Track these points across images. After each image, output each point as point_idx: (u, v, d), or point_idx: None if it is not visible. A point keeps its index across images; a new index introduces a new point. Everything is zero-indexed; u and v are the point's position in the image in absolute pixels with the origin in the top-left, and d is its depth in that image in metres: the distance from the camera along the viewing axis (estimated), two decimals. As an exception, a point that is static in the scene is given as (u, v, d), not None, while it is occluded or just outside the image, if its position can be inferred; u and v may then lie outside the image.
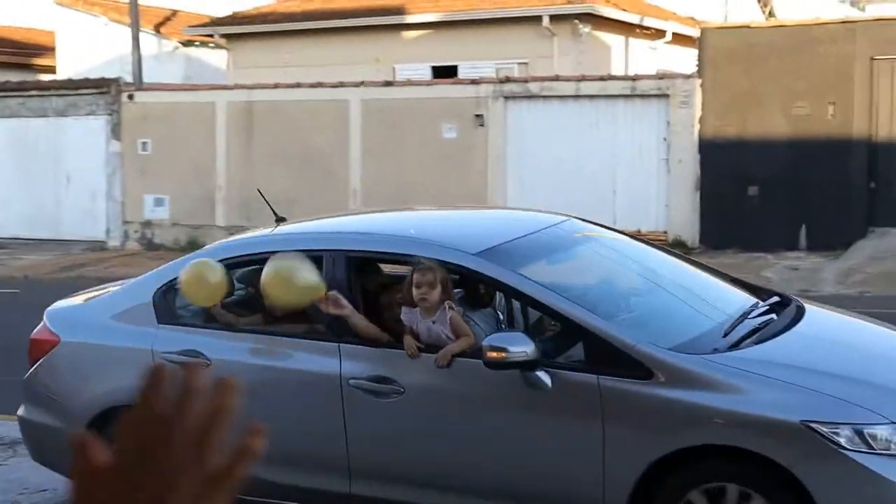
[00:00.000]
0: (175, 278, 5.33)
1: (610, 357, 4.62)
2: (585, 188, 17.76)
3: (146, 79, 20.51)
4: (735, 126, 17.01)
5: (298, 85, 18.94)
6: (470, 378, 4.82)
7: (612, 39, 21.48)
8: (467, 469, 4.87)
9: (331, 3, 22.13)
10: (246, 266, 5.62)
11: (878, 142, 16.58)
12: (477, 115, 18.04)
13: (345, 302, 4.83)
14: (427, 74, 20.72)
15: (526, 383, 4.57)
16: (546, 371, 4.54)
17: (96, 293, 6.17)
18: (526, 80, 18.38)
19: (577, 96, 17.89)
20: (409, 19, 21.10)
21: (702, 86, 17.11)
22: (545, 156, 18.09)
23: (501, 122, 18.16)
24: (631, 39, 21.77)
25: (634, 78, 17.98)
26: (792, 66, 16.63)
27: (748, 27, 17.62)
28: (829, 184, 16.40)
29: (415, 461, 4.96)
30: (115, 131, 20.01)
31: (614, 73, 19.49)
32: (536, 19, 19.91)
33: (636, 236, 6.65)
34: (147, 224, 20.23)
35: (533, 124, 18.14)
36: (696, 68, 17.38)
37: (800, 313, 5.35)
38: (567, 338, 4.91)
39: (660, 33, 22.09)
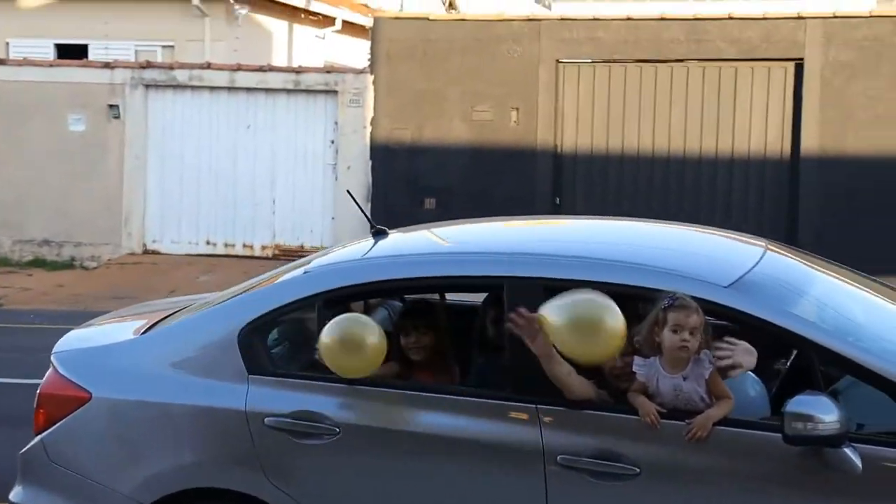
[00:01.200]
0: (274, 311, 4.39)
1: None
2: (241, 198, 16.39)
3: None
4: (411, 130, 15.84)
5: None
6: (738, 455, 3.92)
7: (275, 24, 19.89)
8: None
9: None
10: (366, 297, 4.87)
11: (564, 153, 15.71)
12: (111, 106, 16.30)
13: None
14: (50, 54, 18.62)
15: (825, 463, 3.74)
16: (853, 447, 3.73)
17: (131, 325, 4.91)
18: (171, 67, 16.56)
19: (231, 88, 16.26)
20: (30, -16, 18.95)
21: (374, 83, 15.84)
22: (194, 158, 16.47)
23: (141, 115, 16.36)
24: (296, 26, 20.33)
25: (298, 70, 16.55)
26: (474, 66, 15.53)
27: (427, 19, 16.30)
28: (512, 198, 15.32)
29: None
30: None
31: (276, 63, 18.14)
32: (186, -6, 18.21)
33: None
34: None
35: (179, 119, 16.46)
36: (369, 63, 16.06)
37: None
38: (864, 399, 4.05)
39: (329, 20, 20.80)
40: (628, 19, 15.17)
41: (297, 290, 4.44)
